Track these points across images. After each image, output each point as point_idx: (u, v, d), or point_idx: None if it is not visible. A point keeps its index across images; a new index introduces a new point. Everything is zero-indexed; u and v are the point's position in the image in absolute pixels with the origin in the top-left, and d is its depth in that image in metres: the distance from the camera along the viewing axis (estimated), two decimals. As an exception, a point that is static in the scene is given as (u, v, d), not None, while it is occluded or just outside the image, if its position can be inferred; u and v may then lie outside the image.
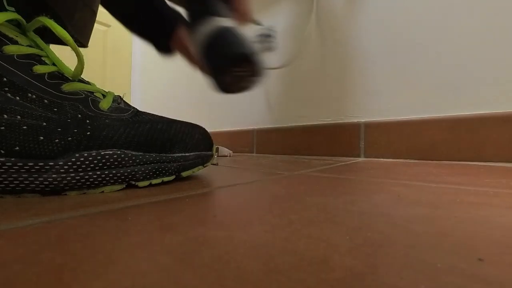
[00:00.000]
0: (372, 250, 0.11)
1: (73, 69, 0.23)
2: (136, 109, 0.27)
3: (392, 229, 0.13)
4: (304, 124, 0.78)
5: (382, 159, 0.60)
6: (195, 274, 0.09)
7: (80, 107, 0.22)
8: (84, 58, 0.23)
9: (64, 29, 0.21)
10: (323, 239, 0.12)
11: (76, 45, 0.22)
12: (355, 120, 0.67)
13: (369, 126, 0.64)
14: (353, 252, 0.10)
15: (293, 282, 0.08)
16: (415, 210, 0.16)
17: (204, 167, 0.30)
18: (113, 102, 0.25)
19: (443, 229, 0.13)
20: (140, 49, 1.60)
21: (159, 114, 0.29)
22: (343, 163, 0.50)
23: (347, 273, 0.09)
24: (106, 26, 1.46)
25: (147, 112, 0.28)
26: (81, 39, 0.32)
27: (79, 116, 0.21)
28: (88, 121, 0.22)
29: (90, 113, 0.22)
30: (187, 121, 0.29)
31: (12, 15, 0.20)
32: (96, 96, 0.24)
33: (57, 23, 0.21)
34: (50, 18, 0.21)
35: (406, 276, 0.08)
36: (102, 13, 0.41)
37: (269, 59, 0.88)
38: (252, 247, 0.11)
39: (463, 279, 0.08)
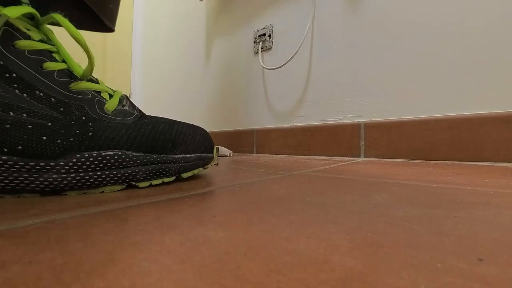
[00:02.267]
0: (372, 250, 0.11)
1: (83, 67, 0.23)
2: (140, 113, 0.26)
3: (392, 229, 0.13)
4: (304, 124, 0.78)
5: (382, 159, 0.60)
6: (195, 274, 0.09)
7: (86, 108, 0.22)
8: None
9: (96, 19, 0.20)
10: (323, 239, 0.12)
11: (87, 46, 0.22)
12: (355, 120, 0.67)
13: (369, 126, 0.64)
14: (353, 252, 0.10)
15: (293, 282, 0.08)
16: (415, 210, 0.16)
17: (205, 168, 0.30)
18: (118, 103, 0.25)
19: (443, 229, 0.13)
20: (140, 49, 1.60)
21: (158, 114, 0.29)
22: (343, 163, 0.50)
23: (347, 273, 0.09)
24: (106, 26, 1.46)
25: (151, 115, 0.27)
26: (112, 24, 0.32)
27: (83, 118, 0.21)
28: (91, 123, 0.22)
29: (94, 116, 0.22)
30: (187, 121, 0.29)
31: (27, 9, 0.20)
32: (103, 97, 0.24)
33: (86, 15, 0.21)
34: (61, 13, 0.21)
35: (406, 276, 0.08)
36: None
37: (269, 59, 0.88)
38: (252, 247, 0.11)
39: (463, 279, 0.08)
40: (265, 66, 0.85)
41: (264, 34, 0.88)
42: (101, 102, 0.23)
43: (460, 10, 0.53)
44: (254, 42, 0.92)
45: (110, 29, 0.34)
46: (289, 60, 0.77)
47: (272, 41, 0.87)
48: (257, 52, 0.90)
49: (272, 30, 0.87)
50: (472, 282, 0.08)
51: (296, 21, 0.80)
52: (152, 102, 1.49)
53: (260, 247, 0.11)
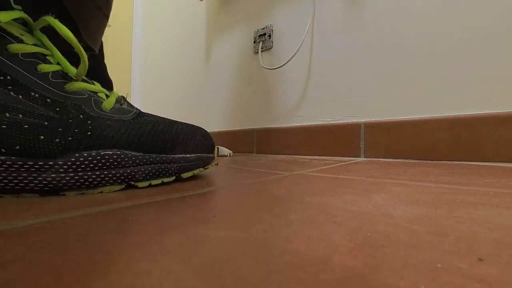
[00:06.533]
0: (372, 250, 0.11)
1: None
2: (139, 110, 0.26)
3: (392, 229, 0.13)
4: (304, 124, 0.77)
5: (382, 159, 0.60)
6: (195, 274, 0.09)
7: (83, 107, 0.22)
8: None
9: (78, 35, 0.20)
10: (323, 239, 0.12)
11: (80, 46, 0.22)
12: (355, 120, 0.67)
13: (369, 126, 0.64)
14: (353, 252, 0.10)
15: (293, 282, 0.08)
16: (415, 210, 0.16)
17: (205, 169, 0.30)
18: (116, 102, 0.25)
19: (443, 229, 0.13)
20: (140, 49, 1.60)
21: (158, 114, 0.29)
22: (343, 163, 0.50)
23: (347, 273, 0.09)
24: (106, 26, 1.46)
25: (150, 113, 0.27)
26: (93, 45, 0.32)
27: (81, 116, 0.21)
28: (89, 121, 0.22)
29: (92, 114, 0.22)
30: (187, 121, 0.29)
31: (18, 13, 0.20)
32: (99, 96, 0.24)
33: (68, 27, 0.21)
34: (55, 18, 0.21)
35: (406, 276, 0.08)
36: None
37: (269, 59, 0.88)
38: (252, 247, 0.11)
39: (463, 279, 0.08)
40: (265, 66, 0.85)
41: (264, 34, 0.88)
42: (98, 101, 0.23)
43: (459, 10, 0.53)
44: (254, 42, 0.92)
45: (91, 49, 0.33)
46: (289, 60, 0.77)
47: (272, 41, 0.87)
48: (257, 52, 0.90)
49: (272, 30, 0.87)
50: (472, 282, 0.08)
51: (296, 21, 0.80)
52: (152, 102, 1.49)
53: (260, 247, 0.11)
